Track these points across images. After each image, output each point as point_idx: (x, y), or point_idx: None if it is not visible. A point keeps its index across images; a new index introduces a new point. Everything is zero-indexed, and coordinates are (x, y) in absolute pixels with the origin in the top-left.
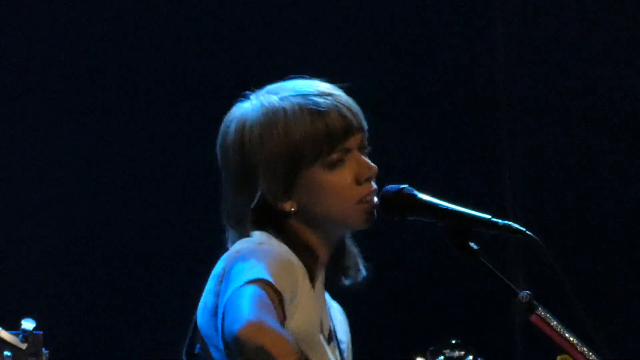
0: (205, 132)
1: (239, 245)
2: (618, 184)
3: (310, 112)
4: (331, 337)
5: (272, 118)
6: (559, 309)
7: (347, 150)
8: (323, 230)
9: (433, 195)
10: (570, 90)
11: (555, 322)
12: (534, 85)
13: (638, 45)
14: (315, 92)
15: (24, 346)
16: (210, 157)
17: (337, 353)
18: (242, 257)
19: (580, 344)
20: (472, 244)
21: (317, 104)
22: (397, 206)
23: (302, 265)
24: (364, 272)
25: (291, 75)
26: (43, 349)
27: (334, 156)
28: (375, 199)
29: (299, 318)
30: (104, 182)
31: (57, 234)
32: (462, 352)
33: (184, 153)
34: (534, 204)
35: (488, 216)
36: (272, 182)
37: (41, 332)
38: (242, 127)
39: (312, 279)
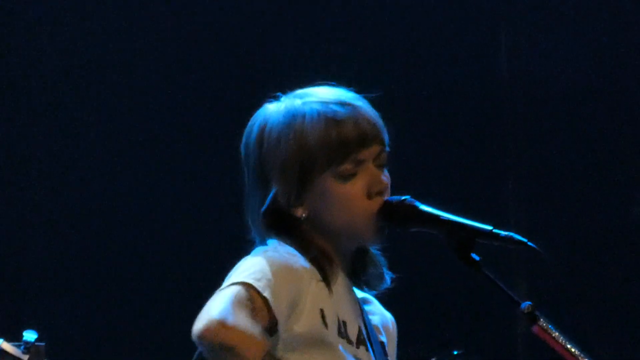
0: (211, 136)
1: (250, 255)
2: (621, 194)
3: (326, 119)
4: (361, 340)
5: (291, 121)
6: (561, 319)
7: (360, 162)
8: (333, 239)
9: (435, 206)
10: (574, 100)
11: (557, 333)
12: (538, 95)
13: None
14: (336, 100)
15: (25, 358)
16: (214, 160)
17: (372, 356)
18: (240, 265)
19: (581, 355)
20: (474, 255)
21: (335, 112)
22: (399, 217)
23: (314, 270)
24: (387, 283)
25: (320, 82)
26: None
27: (346, 167)
28: None
29: (305, 321)
30: (106, 195)
31: (59, 245)
32: None
33: (186, 161)
34: (536, 215)
35: (490, 227)
36: (285, 185)
37: (43, 344)
38: (263, 128)
39: (328, 282)
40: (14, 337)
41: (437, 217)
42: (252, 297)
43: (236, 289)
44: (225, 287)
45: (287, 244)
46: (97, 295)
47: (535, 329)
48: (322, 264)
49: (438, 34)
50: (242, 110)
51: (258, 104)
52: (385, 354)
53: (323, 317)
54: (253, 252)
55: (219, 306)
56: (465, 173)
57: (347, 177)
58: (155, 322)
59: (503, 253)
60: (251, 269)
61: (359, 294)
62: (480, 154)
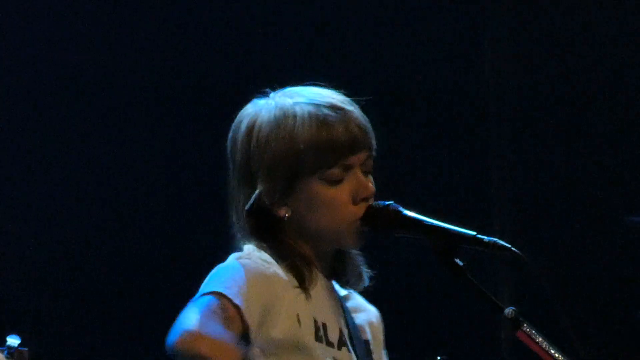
0: (203, 136)
1: (224, 263)
2: (607, 199)
3: (318, 122)
4: (343, 341)
5: (281, 121)
6: (545, 325)
7: (349, 167)
8: (314, 242)
9: (419, 212)
10: (558, 107)
11: (540, 338)
12: (523, 100)
13: (627, 63)
14: (328, 104)
15: None
16: (198, 162)
17: (354, 357)
18: (214, 274)
19: None
20: (457, 261)
21: (326, 115)
22: (383, 223)
23: (290, 277)
24: (366, 282)
25: (310, 82)
26: None
27: (334, 171)
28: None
29: (282, 327)
30: (90, 197)
31: (43, 250)
32: None
33: (171, 163)
34: (520, 220)
35: (474, 233)
36: (270, 184)
37: (26, 349)
38: (252, 125)
39: (306, 287)
40: None
41: (421, 222)
42: (224, 306)
43: (208, 299)
44: (197, 298)
45: (264, 249)
46: (81, 300)
47: (519, 334)
48: (299, 269)
49: (420, 40)
50: (228, 109)
51: (245, 103)
52: (370, 353)
53: (299, 322)
54: (228, 260)
55: (192, 317)
56: (450, 178)
57: (334, 181)
58: (140, 327)
59: (487, 259)
60: (223, 277)
61: (342, 291)
62: (464, 159)
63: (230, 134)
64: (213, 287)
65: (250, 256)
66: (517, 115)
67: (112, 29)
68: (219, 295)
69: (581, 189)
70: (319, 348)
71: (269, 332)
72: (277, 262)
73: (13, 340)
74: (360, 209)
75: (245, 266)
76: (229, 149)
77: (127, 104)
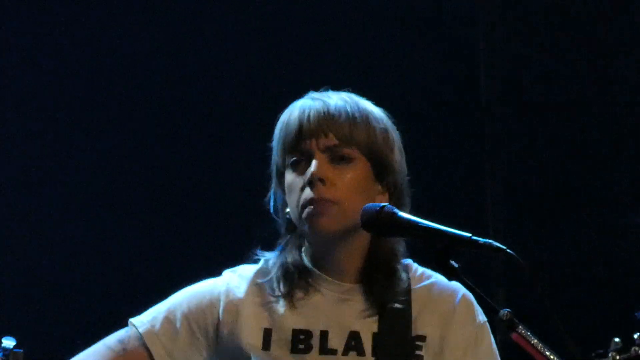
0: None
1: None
2: (601, 200)
3: (284, 115)
4: (353, 346)
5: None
6: (540, 327)
7: (307, 154)
8: (309, 239)
9: (414, 214)
10: (553, 107)
11: (535, 340)
12: (517, 100)
13: (624, 62)
14: (307, 97)
15: None
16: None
17: None
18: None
19: None
20: (452, 262)
21: (294, 105)
22: (377, 225)
23: (271, 287)
24: (392, 296)
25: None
26: None
27: (294, 157)
28: (325, 207)
29: (245, 340)
30: (88, 200)
31: (38, 251)
32: None
33: (174, 173)
34: (514, 222)
35: (468, 235)
36: (275, 186)
37: (21, 351)
38: None
39: (290, 298)
40: None
41: (415, 224)
42: (125, 338)
43: (117, 334)
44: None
45: (270, 260)
46: (77, 302)
47: (514, 336)
48: (285, 280)
49: (416, 47)
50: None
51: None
52: (415, 349)
53: (267, 337)
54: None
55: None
56: (444, 181)
57: (294, 169)
58: None
59: (482, 260)
60: (160, 304)
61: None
62: (459, 162)
63: None
64: (137, 317)
65: (234, 271)
66: (512, 117)
67: (113, 32)
68: (131, 325)
69: (576, 190)
70: (304, 355)
71: (220, 346)
72: (270, 274)
73: (8, 342)
74: (304, 194)
75: (188, 292)
76: None
77: (125, 107)
